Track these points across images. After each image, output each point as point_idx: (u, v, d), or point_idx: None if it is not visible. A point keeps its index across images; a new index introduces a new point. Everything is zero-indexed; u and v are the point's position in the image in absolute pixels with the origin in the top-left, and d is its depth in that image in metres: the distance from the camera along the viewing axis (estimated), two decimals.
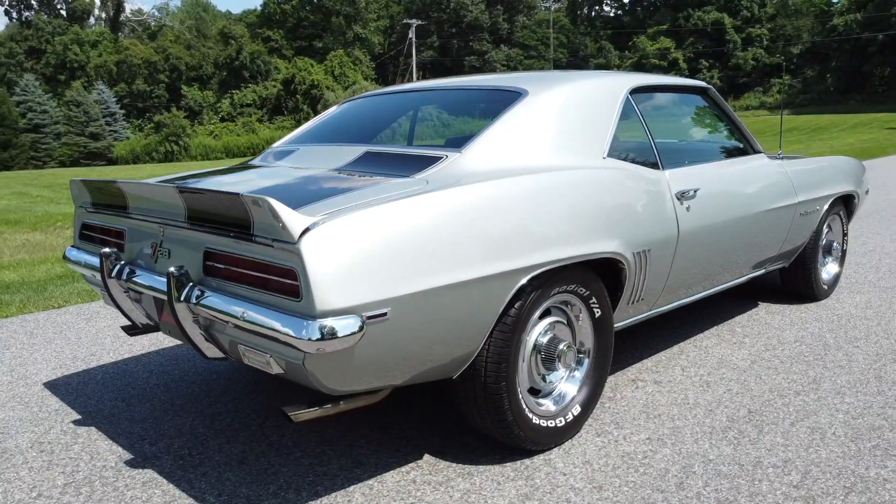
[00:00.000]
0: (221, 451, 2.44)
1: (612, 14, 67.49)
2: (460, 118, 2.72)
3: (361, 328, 1.73)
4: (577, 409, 2.45)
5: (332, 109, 3.28)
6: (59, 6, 58.06)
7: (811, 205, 3.74)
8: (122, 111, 48.33)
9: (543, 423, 2.33)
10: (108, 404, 2.88)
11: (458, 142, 2.37)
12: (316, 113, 45.55)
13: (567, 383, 2.47)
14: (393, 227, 1.84)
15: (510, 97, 2.56)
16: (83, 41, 53.04)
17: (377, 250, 1.79)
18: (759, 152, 3.52)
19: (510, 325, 2.15)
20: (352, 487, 2.18)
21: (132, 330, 2.60)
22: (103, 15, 60.22)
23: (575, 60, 61.36)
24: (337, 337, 1.70)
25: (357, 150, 2.56)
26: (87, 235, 2.68)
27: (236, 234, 1.89)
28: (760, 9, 55.04)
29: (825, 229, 4.13)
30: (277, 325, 1.74)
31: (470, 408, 2.26)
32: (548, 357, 2.34)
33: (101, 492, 2.19)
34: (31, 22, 54.78)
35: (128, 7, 62.87)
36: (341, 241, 1.75)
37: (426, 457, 2.37)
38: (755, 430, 2.51)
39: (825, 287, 4.17)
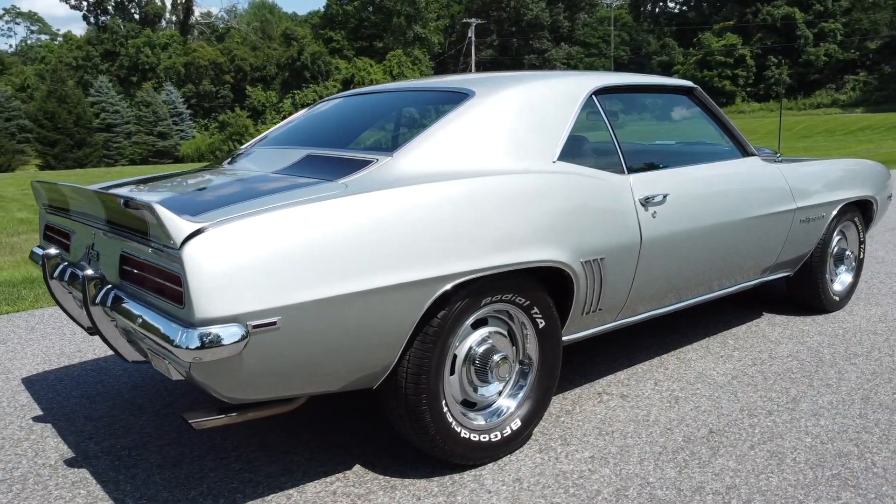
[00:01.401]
0: (160, 453, 2.45)
1: (676, 10, 65.81)
2: (412, 120, 2.65)
3: (244, 337, 1.69)
4: (516, 424, 2.36)
5: (303, 112, 3.26)
6: (132, 10, 60.47)
7: (815, 211, 3.52)
8: (189, 111, 49.94)
9: (475, 437, 2.25)
10: (73, 401, 2.94)
11: (394, 145, 2.31)
12: None
13: (505, 396, 2.38)
14: (288, 233, 1.80)
15: (456, 98, 2.48)
16: (154, 44, 55.03)
17: (268, 257, 1.75)
18: (752, 155, 3.32)
19: (432, 335, 2.08)
20: (270, 497, 2.15)
21: (89, 329, 2.63)
22: (174, 18, 62.44)
23: (637, 58, 60.13)
24: (217, 346, 1.67)
25: (300, 153, 2.53)
26: (49, 236, 2.73)
27: (138, 240, 1.88)
28: (834, 2, 52.65)
29: (836, 237, 3.88)
30: (160, 332, 1.72)
31: (395, 419, 2.20)
32: (481, 369, 2.26)
33: (31, 490, 2.23)
34: (107, 26, 57.21)
35: (197, 10, 65.03)
36: (227, 248, 1.71)
37: (356, 467, 2.32)
38: (709, 452, 2.36)
39: (836, 298, 3.92)
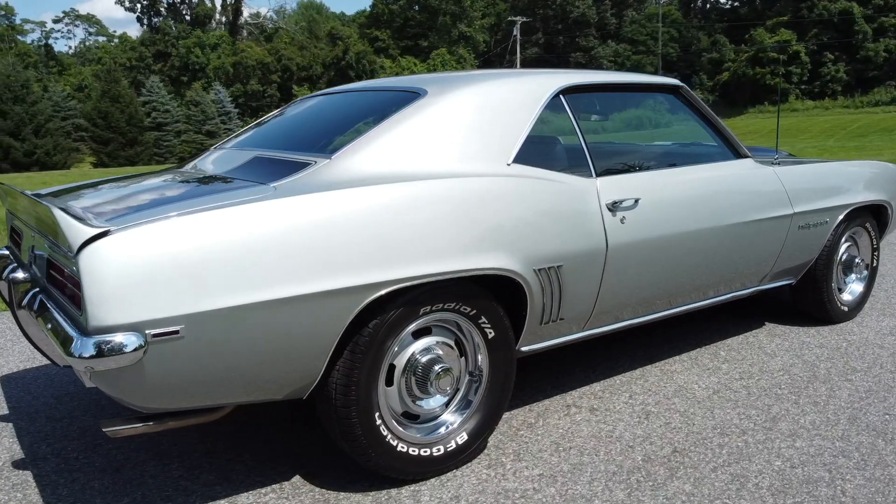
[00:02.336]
0: (107, 457, 2.43)
1: (727, 6, 64.15)
2: (363, 121, 2.57)
3: (142, 346, 1.64)
4: (462, 438, 2.26)
5: (275, 112, 3.22)
6: (184, 12, 61.99)
7: (815, 216, 3.32)
8: (237, 110, 50.82)
9: (414, 451, 2.16)
10: (41, 401, 2.95)
11: (335, 147, 2.23)
12: None
13: (450, 409, 2.28)
14: (195, 238, 1.74)
15: (407, 98, 2.39)
16: (204, 44, 56.23)
17: (172, 263, 1.69)
18: (745, 157, 3.14)
19: (363, 345, 2.00)
20: None
21: None
22: (223, 19, 63.73)
23: (686, 55, 58.86)
24: (113, 354, 1.62)
25: (250, 155, 2.48)
26: (13, 237, 2.75)
27: (52, 243, 1.85)
28: None
29: (845, 244, 3.66)
30: (62, 339, 1.68)
31: (329, 431, 2.12)
32: (421, 381, 2.16)
33: None
34: (159, 27, 58.74)
35: (246, 11, 66.31)
36: (127, 253, 1.66)
37: (295, 479, 2.25)
38: (666, 474, 2.22)
39: (844, 308, 3.69)
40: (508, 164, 2.34)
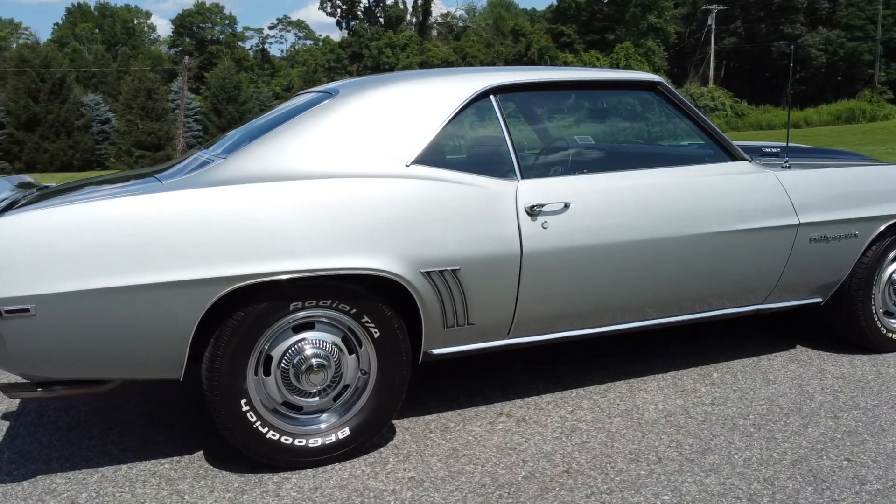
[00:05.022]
0: (73, 417, 2.76)
1: None
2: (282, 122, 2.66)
3: None
4: (344, 433, 2.31)
5: None
6: (378, 14, 65.73)
7: (836, 228, 2.90)
8: None
9: (287, 440, 2.25)
10: None
11: (233, 147, 2.37)
12: None
13: (337, 403, 2.33)
14: (56, 228, 1.97)
15: (317, 100, 2.48)
16: (394, 45, 59.34)
17: (31, 249, 1.94)
18: (739, 159, 2.82)
19: (226, 335, 2.13)
20: (104, 468, 2.33)
21: None
22: (414, 20, 66.62)
23: None
24: None
25: (194, 154, 2.70)
26: None
27: None
28: None
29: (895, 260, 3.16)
30: None
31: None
32: (295, 374, 2.24)
33: None
34: (355, 30, 62.84)
35: (435, 11, 68.71)
36: None
37: (198, 453, 2.42)
38: (535, 493, 2.11)
39: (891, 336, 3.18)
40: (407, 166, 2.34)
